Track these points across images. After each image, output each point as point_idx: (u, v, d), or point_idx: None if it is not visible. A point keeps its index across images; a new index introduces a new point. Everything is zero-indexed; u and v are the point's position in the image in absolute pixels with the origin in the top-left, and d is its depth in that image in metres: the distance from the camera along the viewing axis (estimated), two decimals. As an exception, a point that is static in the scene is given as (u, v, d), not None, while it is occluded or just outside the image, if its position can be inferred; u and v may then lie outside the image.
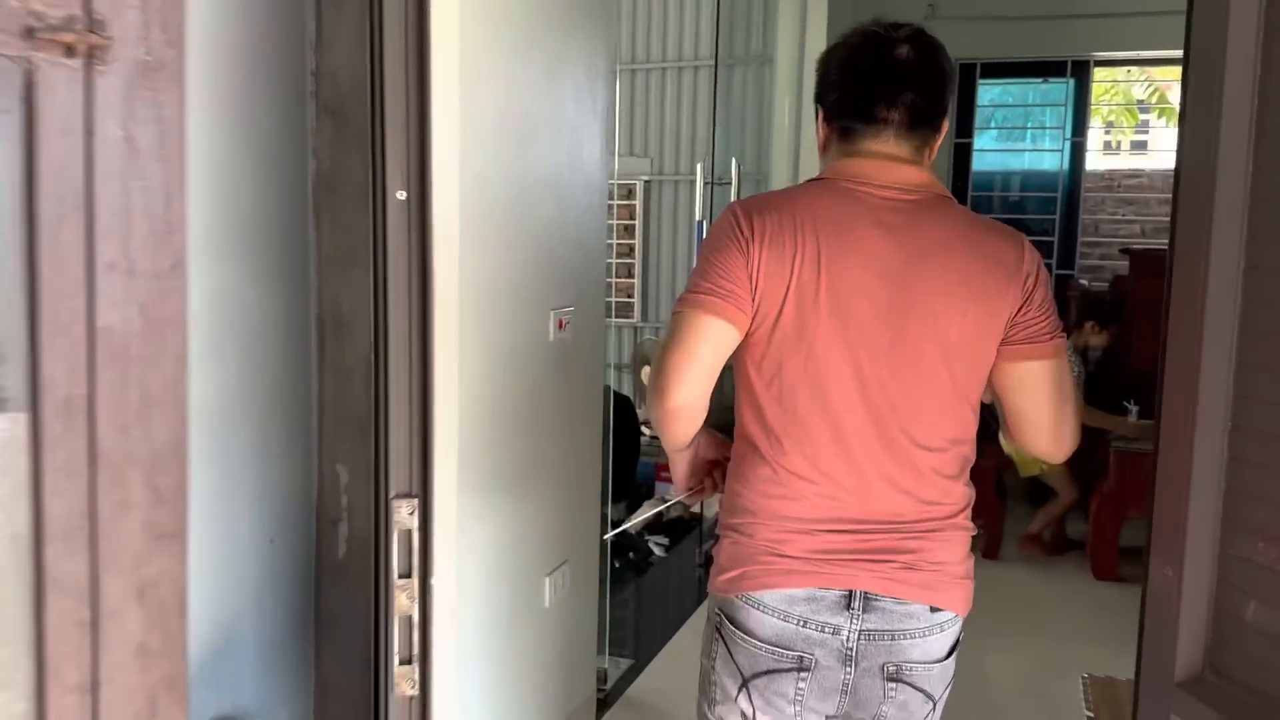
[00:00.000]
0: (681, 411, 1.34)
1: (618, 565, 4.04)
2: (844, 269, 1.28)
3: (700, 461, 1.51)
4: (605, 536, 2.79)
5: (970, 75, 5.41)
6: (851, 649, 1.31)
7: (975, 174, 5.49)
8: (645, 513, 4.61)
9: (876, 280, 1.29)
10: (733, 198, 3.97)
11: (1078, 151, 5.29)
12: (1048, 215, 5.41)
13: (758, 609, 1.33)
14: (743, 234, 1.30)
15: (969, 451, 1.38)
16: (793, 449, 1.32)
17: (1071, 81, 5.26)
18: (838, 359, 1.29)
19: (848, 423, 1.31)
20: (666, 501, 4.78)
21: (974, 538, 1.41)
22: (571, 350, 2.24)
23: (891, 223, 1.30)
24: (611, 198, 6.24)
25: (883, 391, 1.30)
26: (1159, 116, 6.09)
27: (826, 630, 1.31)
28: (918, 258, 1.29)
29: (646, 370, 5.71)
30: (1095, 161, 5.42)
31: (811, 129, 1.48)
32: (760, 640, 1.33)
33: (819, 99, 1.41)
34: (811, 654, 1.32)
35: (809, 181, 1.38)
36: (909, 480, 1.32)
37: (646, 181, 6.15)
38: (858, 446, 1.31)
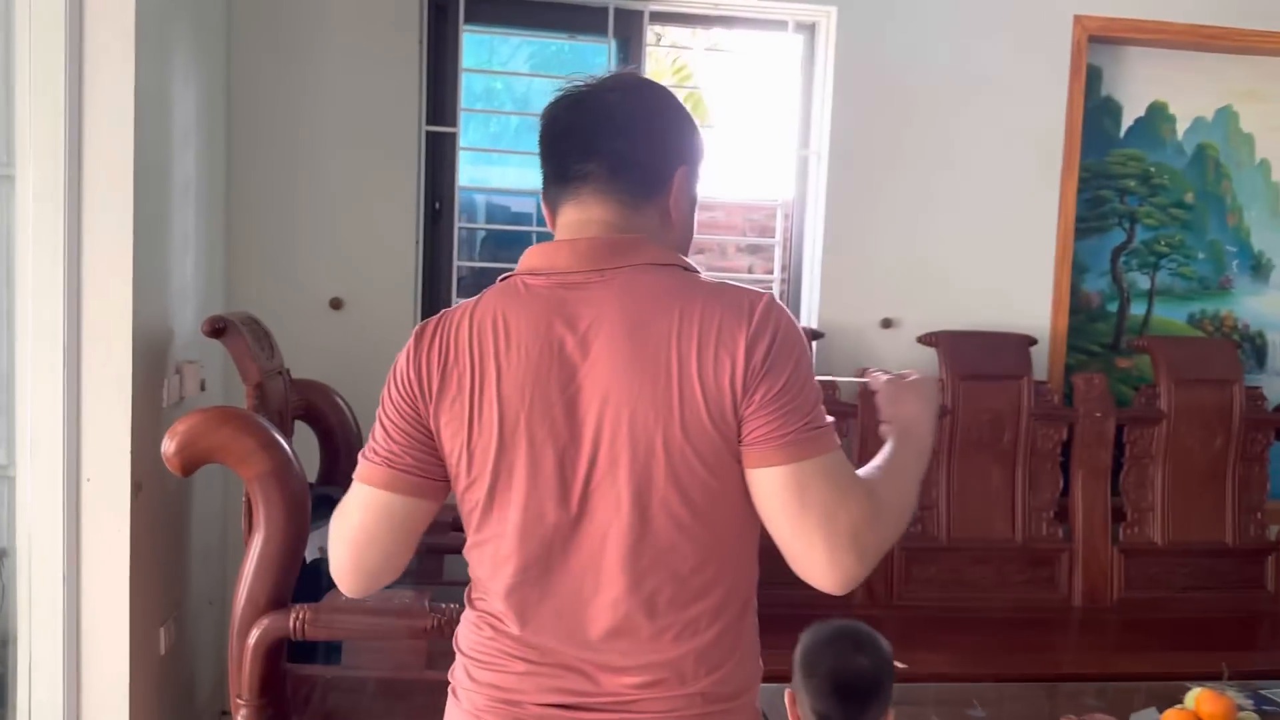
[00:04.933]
0: (369, 592, 1.20)
1: None
2: (523, 393, 1.09)
3: None
4: None
5: (445, 21, 3.07)
6: None
7: (462, 192, 3.15)
8: None
9: (563, 397, 1.08)
10: None
11: (627, 162, 3.17)
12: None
13: None
14: (410, 379, 1.12)
15: (730, 600, 1.13)
16: (500, 611, 1.15)
17: (614, 43, 3.13)
18: (524, 509, 1.10)
19: (548, 581, 1.12)
20: None
21: None
22: None
23: (578, 319, 1.09)
24: None
25: (588, 544, 1.10)
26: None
27: None
28: (615, 357, 1.07)
29: None
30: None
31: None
32: None
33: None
34: None
35: (501, 280, 1.17)
36: (627, 646, 1.11)
37: None
38: (558, 609, 1.12)
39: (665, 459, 1.06)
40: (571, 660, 1.11)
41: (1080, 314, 3.37)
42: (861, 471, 1.17)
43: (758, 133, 3.40)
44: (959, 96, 3.18)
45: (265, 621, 1.99)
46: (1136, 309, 3.42)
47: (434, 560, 2.64)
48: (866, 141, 3.16)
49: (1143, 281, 3.42)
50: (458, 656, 1.21)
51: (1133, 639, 2.94)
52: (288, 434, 2.43)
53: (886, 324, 3.20)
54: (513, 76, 3.34)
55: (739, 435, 1.07)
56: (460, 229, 3.15)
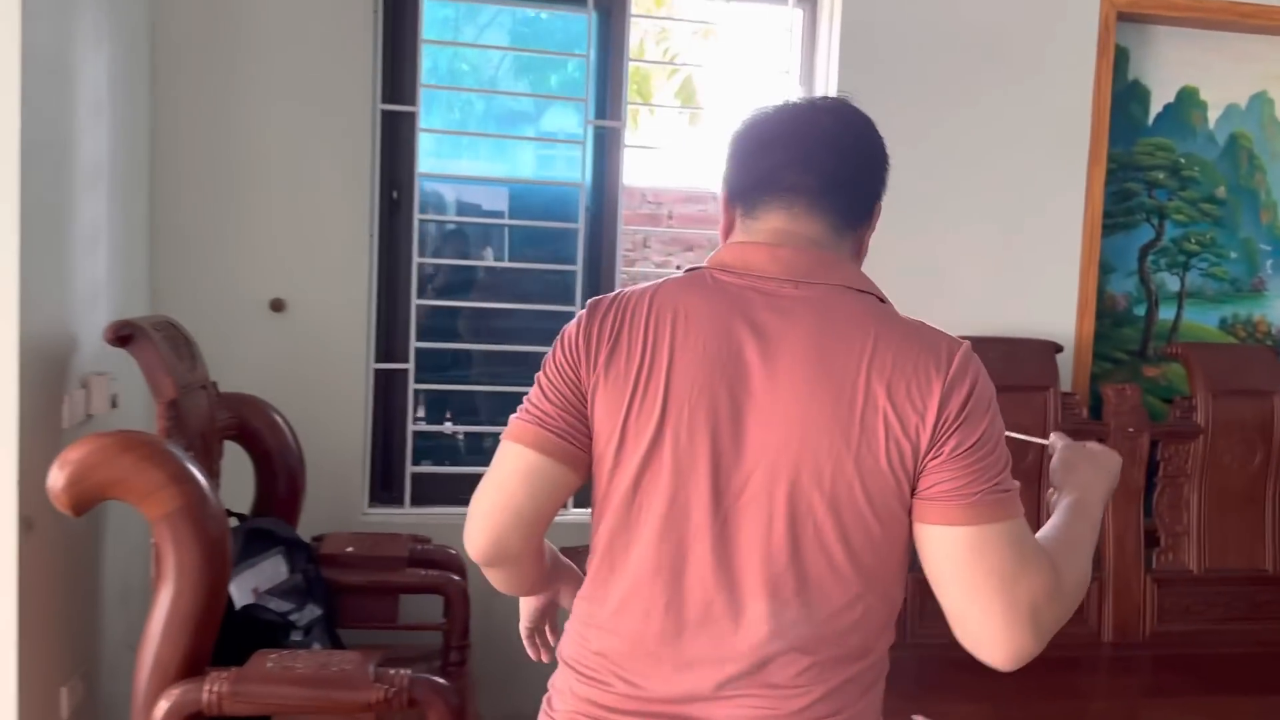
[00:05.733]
0: (494, 570, 1.16)
1: None
2: (693, 386, 1.05)
3: (551, 607, 1.30)
4: None
5: (408, -18, 2.72)
6: None
7: (423, 179, 2.81)
8: None
9: (733, 399, 1.05)
10: None
11: (609, 148, 2.83)
12: (557, 265, 2.90)
13: None
14: (577, 345, 1.10)
15: (862, 653, 1.08)
16: (614, 614, 1.10)
17: (594, 15, 2.79)
18: (669, 503, 1.06)
19: (679, 587, 1.06)
20: None
21: None
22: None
23: (765, 324, 1.06)
24: None
25: (728, 555, 1.05)
26: (682, 105, 3.93)
27: None
28: (797, 372, 1.04)
29: None
30: (641, 171, 3.01)
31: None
32: None
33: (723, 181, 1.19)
34: None
35: (686, 271, 1.15)
36: (759, 670, 1.05)
37: None
38: (680, 621, 1.06)
39: (830, 489, 1.03)
40: (681, 685, 1.07)
41: (1105, 318, 3.07)
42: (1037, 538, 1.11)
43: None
44: (976, 79, 2.87)
45: (175, 693, 1.64)
46: (1165, 313, 3.13)
47: (387, 602, 2.29)
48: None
49: (1172, 283, 3.13)
50: (560, 666, 1.18)
51: (1173, 681, 2.64)
52: (212, 459, 2.07)
53: (896, 329, 2.89)
54: (479, 54, 3.00)
55: (914, 485, 1.03)
56: (422, 222, 2.80)
